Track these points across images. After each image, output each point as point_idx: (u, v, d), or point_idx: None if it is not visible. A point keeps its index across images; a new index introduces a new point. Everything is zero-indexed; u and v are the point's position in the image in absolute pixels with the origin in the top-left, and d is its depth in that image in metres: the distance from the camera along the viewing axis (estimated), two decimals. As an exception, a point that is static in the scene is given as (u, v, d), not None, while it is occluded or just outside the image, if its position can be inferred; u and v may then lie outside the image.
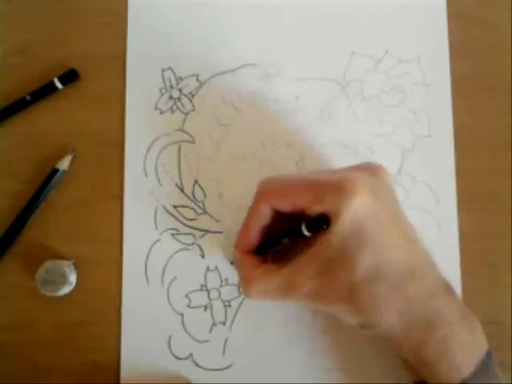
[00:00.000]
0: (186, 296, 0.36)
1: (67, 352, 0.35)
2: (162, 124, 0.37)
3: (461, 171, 0.37)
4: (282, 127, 0.38)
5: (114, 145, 0.37)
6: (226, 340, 0.36)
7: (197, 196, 0.37)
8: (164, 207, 0.37)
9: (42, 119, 0.37)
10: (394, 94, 0.38)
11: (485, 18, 0.39)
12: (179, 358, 0.35)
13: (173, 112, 0.37)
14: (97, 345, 0.35)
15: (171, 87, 0.38)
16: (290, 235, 0.30)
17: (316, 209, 0.28)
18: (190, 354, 0.35)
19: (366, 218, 0.27)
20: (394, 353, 0.34)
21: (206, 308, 0.36)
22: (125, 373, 0.35)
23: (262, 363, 0.35)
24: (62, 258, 0.36)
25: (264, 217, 0.31)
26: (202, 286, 0.36)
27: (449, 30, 0.39)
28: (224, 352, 0.35)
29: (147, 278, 0.36)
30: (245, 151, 0.37)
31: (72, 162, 0.37)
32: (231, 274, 0.36)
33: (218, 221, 0.37)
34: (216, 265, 0.36)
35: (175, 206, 0.37)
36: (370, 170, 0.30)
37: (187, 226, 0.36)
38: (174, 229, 0.36)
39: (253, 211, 0.32)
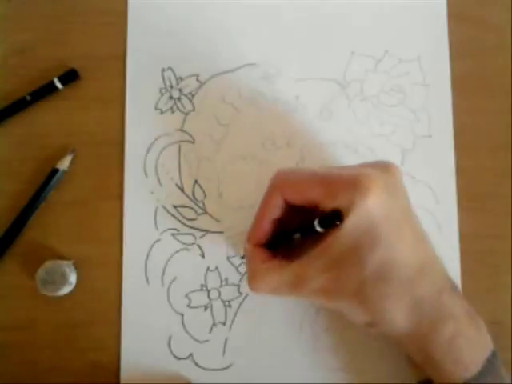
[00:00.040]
0: (186, 296, 0.36)
1: (67, 352, 0.35)
2: (162, 124, 0.37)
3: (461, 171, 0.37)
4: (281, 127, 0.38)
5: (114, 145, 0.37)
6: (225, 340, 0.36)
7: (197, 196, 0.37)
8: (164, 207, 0.37)
9: (42, 119, 0.37)
10: (394, 94, 0.38)
11: (485, 18, 0.39)
12: (179, 358, 0.35)
13: (173, 112, 0.37)
14: (97, 345, 0.35)
15: (171, 87, 0.38)
16: (301, 231, 0.30)
17: (329, 204, 0.28)
18: (190, 354, 0.35)
19: (378, 216, 0.27)
20: (399, 351, 0.34)
21: (206, 308, 0.36)
22: (125, 373, 0.35)
23: (262, 363, 0.35)
24: (62, 257, 0.36)
25: (276, 209, 0.31)
26: (202, 286, 0.36)
27: (449, 30, 0.39)
28: (224, 352, 0.35)
29: (147, 278, 0.36)
30: (245, 151, 0.37)
31: (72, 162, 0.37)
32: (231, 274, 0.36)
33: (218, 221, 0.37)
34: (216, 265, 0.36)
35: (175, 206, 0.37)
36: (383, 167, 0.30)
37: (187, 225, 0.36)
38: (174, 229, 0.36)
39: (265, 203, 0.31)
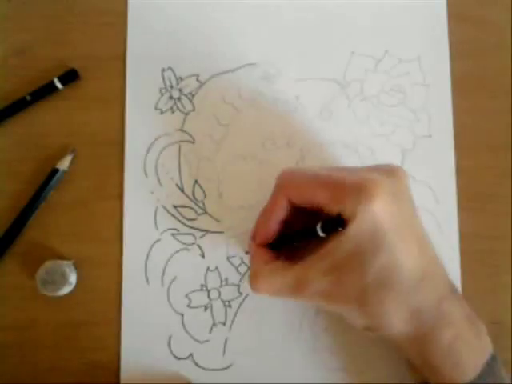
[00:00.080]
0: (186, 296, 0.36)
1: (67, 352, 0.35)
2: (162, 124, 0.37)
3: (461, 171, 0.37)
4: (281, 127, 0.38)
5: (114, 145, 0.37)
6: (225, 340, 0.36)
7: (197, 196, 0.37)
8: (164, 207, 0.37)
9: (42, 119, 0.37)
10: (394, 94, 0.38)
11: (485, 18, 0.39)
12: (179, 358, 0.35)
13: (173, 112, 0.37)
14: (97, 345, 0.35)
15: (171, 87, 0.38)
16: (304, 235, 0.30)
17: (334, 208, 0.28)
18: (190, 354, 0.35)
19: (383, 222, 0.27)
20: (398, 354, 0.34)
21: (206, 308, 0.36)
22: (125, 373, 0.35)
23: (262, 363, 0.35)
24: (62, 257, 0.36)
25: (282, 210, 0.31)
26: (202, 286, 0.36)
27: (449, 30, 0.39)
28: (224, 352, 0.35)
29: (147, 278, 0.36)
30: (245, 151, 0.37)
31: (72, 162, 0.37)
32: (231, 274, 0.36)
33: (218, 221, 0.37)
34: (216, 265, 0.36)
35: (175, 206, 0.37)
36: (390, 171, 0.29)
37: (187, 225, 0.36)
38: (174, 229, 0.36)
39: (271, 204, 0.31)
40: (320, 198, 0.29)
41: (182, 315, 0.36)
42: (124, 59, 0.38)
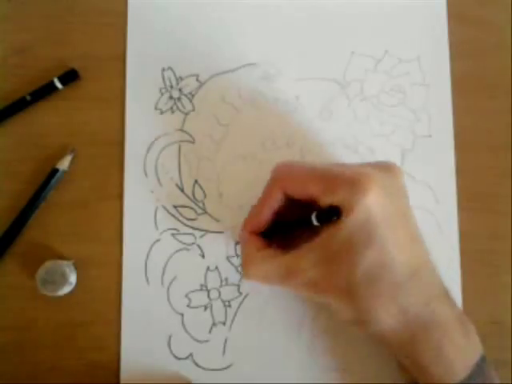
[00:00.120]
0: (186, 296, 0.36)
1: (67, 352, 0.35)
2: (162, 124, 0.37)
3: (461, 171, 0.37)
4: (281, 127, 0.38)
5: (114, 145, 0.37)
6: (225, 340, 0.36)
7: (197, 196, 0.37)
8: (164, 207, 0.37)
9: (42, 119, 0.37)
10: (394, 94, 0.38)
11: (485, 18, 0.39)
12: (179, 358, 0.35)
13: (173, 112, 0.37)
14: (97, 345, 0.35)
15: (171, 87, 0.38)
16: (298, 224, 0.31)
17: (327, 200, 0.28)
18: (190, 354, 0.35)
19: (375, 216, 0.27)
20: (387, 353, 0.34)
21: (206, 308, 0.36)
22: (125, 373, 0.35)
23: (262, 363, 0.35)
24: (62, 258, 0.36)
25: (276, 201, 0.31)
26: (201, 286, 0.36)
27: (449, 30, 0.39)
28: (224, 352, 0.35)
29: (147, 278, 0.36)
30: (245, 151, 0.37)
31: (72, 162, 0.37)
32: (231, 274, 0.36)
33: (218, 221, 0.37)
34: (216, 265, 0.36)
35: (175, 206, 0.37)
36: (385, 167, 0.30)
37: (187, 225, 0.36)
38: (174, 229, 0.36)
39: (266, 195, 0.32)
40: (314, 191, 0.29)
41: (182, 315, 0.36)
42: (124, 59, 0.38)
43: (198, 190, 0.37)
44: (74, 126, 0.37)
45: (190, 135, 0.37)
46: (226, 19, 0.38)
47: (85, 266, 0.36)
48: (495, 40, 0.39)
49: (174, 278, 0.36)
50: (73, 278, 0.35)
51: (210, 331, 0.36)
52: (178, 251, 0.36)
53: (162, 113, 0.37)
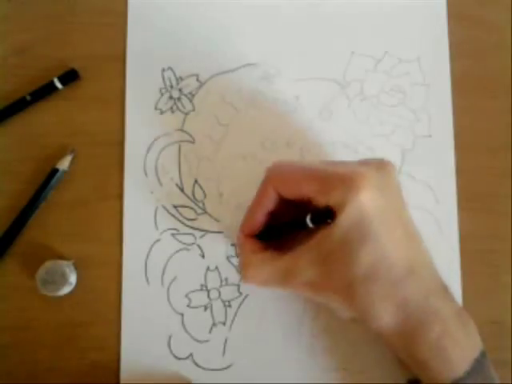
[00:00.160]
0: (186, 296, 0.36)
1: (67, 352, 0.35)
2: (162, 124, 0.37)
3: (461, 171, 0.37)
4: (281, 127, 0.38)
5: (114, 145, 0.37)
6: (225, 340, 0.36)
7: (197, 196, 0.37)
8: (164, 207, 0.37)
9: (42, 119, 0.37)
10: (394, 94, 0.38)
11: (485, 18, 0.39)
12: (179, 358, 0.35)
13: (173, 112, 0.37)
14: (97, 345, 0.35)
15: (171, 87, 0.38)
16: (293, 226, 0.31)
17: (322, 200, 0.28)
18: (190, 354, 0.35)
19: (370, 214, 0.28)
20: (387, 349, 0.34)
21: (205, 308, 0.36)
22: (125, 373, 0.35)
23: (262, 363, 0.35)
24: (62, 257, 0.36)
25: (270, 202, 0.31)
26: (201, 286, 0.36)
27: (449, 30, 0.39)
28: (224, 352, 0.35)
29: (147, 278, 0.36)
30: (245, 151, 0.37)
31: (72, 162, 0.37)
32: (231, 274, 0.36)
33: (218, 221, 0.37)
34: (216, 265, 0.36)
35: (175, 206, 0.37)
36: (378, 164, 0.30)
37: (187, 225, 0.36)
38: (174, 229, 0.36)
39: (259, 195, 0.32)
40: (308, 191, 0.29)
41: (182, 315, 0.36)
42: (124, 59, 0.38)
43: (197, 189, 0.37)
44: (74, 126, 0.37)
45: (190, 135, 0.37)
46: (226, 19, 0.38)
47: (85, 266, 0.36)
48: (495, 40, 0.39)
49: (174, 278, 0.36)
50: (73, 278, 0.35)
51: (210, 331, 0.36)
52: (178, 251, 0.36)
53: (161, 113, 0.37)
